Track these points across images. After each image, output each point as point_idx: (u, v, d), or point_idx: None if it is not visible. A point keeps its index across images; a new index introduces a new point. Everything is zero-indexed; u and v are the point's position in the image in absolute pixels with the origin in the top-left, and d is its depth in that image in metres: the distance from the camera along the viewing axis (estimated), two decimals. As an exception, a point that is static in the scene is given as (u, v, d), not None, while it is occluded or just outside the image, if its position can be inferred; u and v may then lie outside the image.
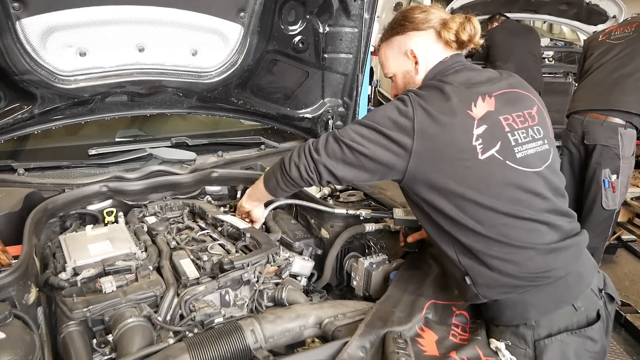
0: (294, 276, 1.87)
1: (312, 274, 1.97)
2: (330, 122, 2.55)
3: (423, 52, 1.55)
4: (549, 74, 5.63)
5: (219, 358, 1.35)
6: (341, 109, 2.56)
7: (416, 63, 1.56)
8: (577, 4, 5.48)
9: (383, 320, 1.45)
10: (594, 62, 3.42)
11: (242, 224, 1.86)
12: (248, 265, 1.62)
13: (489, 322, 1.51)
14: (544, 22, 6.39)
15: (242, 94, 2.33)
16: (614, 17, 5.49)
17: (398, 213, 1.84)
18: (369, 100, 8.65)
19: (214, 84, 2.20)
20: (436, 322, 1.52)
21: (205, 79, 2.18)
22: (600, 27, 5.70)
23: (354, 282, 1.90)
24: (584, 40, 3.77)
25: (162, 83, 2.10)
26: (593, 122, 3.32)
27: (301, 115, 2.52)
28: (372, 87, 8.21)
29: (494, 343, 1.44)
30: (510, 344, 1.42)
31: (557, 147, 3.89)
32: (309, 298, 1.79)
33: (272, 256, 1.71)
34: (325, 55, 2.38)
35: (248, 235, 1.78)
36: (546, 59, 5.85)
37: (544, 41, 6.01)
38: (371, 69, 8.86)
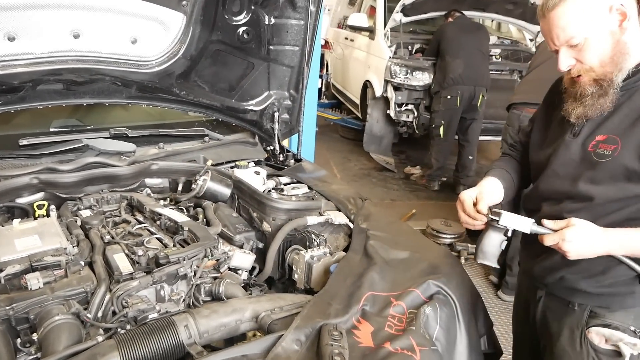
0: (235, 270, 1.85)
1: (253, 268, 1.96)
2: (276, 114, 2.53)
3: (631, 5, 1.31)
4: (496, 70, 5.78)
5: (150, 355, 1.32)
6: (287, 102, 2.54)
7: (622, 20, 1.31)
8: (523, 4, 5.65)
9: (320, 313, 1.45)
10: (535, 59, 3.57)
11: (180, 217, 1.82)
12: (184, 260, 1.59)
13: (604, 307, 1.50)
14: (492, 20, 6.57)
15: (185, 84, 2.27)
16: (558, 18, 5.68)
17: (506, 218, 1.45)
18: (321, 94, 8.68)
19: (154, 73, 2.13)
20: (373, 313, 1.54)
21: (145, 68, 2.11)
22: (544, 27, 5.89)
23: (295, 275, 1.90)
24: (537, 45, 3.98)
25: (99, 71, 2.02)
26: (528, 117, 3.45)
27: (247, 108, 2.49)
28: (322, 80, 8.20)
29: (605, 334, 1.47)
30: (636, 329, 1.45)
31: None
32: (249, 292, 1.78)
33: (210, 250, 1.68)
34: (271, 47, 2.35)
35: (186, 229, 1.74)
36: (493, 57, 6.01)
37: (492, 39, 6.17)
38: (326, 61, 8.88)
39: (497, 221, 1.44)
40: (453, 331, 1.59)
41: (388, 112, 5.94)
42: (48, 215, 1.88)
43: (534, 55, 3.77)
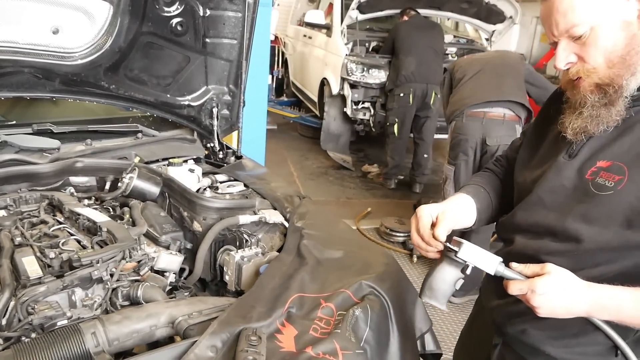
0: (162, 272, 1.76)
1: (183, 269, 1.88)
2: (214, 110, 2.45)
3: None
4: (451, 69, 5.83)
5: (52, 365, 1.23)
6: (227, 97, 2.46)
7: None
8: (477, 3, 5.70)
9: (240, 317, 1.38)
10: (467, 71, 3.49)
11: (99, 217, 1.72)
12: (97, 262, 1.50)
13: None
14: (448, 19, 6.62)
15: (114, 78, 2.16)
16: (511, 17, 5.78)
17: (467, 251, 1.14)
18: (272, 91, 8.56)
19: (79, 66, 2.02)
20: (300, 316, 1.48)
21: (69, 60, 2.00)
22: (498, 27, 5.99)
23: (226, 277, 1.83)
24: (448, 66, 3.85)
25: (17, 63, 1.90)
26: (493, 122, 3.32)
27: (183, 103, 2.39)
28: (273, 76, 8.11)
29: None
30: None
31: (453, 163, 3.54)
32: (173, 295, 1.70)
33: (129, 251, 1.59)
34: (207, 40, 2.27)
35: (105, 229, 1.65)
36: (449, 55, 6.06)
37: (448, 38, 6.21)
38: (284, 57, 8.78)
39: (456, 253, 1.14)
40: (385, 333, 1.55)
41: (345, 110, 5.92)
42: (-43, 216, 1.75)
43: (452, 73, 3.64)
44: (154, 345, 1.45)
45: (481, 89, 3.41)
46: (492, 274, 1.13)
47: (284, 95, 8.78)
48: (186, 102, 2.40)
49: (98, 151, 2.13)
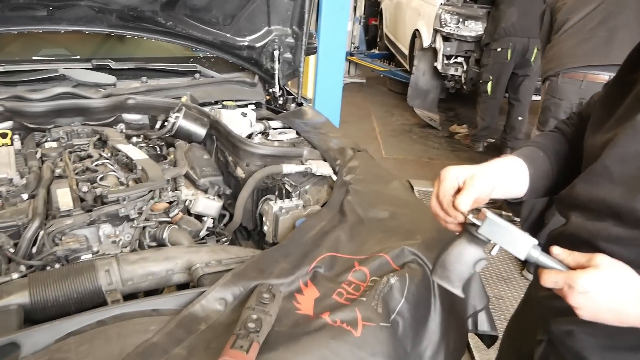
0: (199, 216, 1.71)
1: (223, 216, 1.82)
2: (276, 53, 2.31)
3: None
4: (560, 22, 5.18)
5: (64, 297, 1.21)
6: (289, 40, 2.31)
7: None
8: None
9: (260, 271, 1.28)
10: (572, 12, 2.94)
11: (138, 155, 1.68)
12: (124, 200, 1.46)
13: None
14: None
15: (171, 14, 2.08)
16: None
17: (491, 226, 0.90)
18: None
19: (135, 0, 1.96)
20: (327, 277, 1.35)
21: (124, -7, 1.95)
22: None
23: (265, 227, 1.74)
24: (546, 3, 3.24)
25: (73, -6, 1.88)
26: (594, 85, 2.79)
27: (243, 44, 2.28)
28: (354, 23, 7.71)
29: None
30: None
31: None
32: (205, 241, 1.64)
33: (159, 192, 1.54)
34: (270, -25, 2.12)
35: (140, 167, 1.61)
36: (561, 7, 5.38)
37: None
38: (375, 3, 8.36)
39: (477, 228, 0.91)
40: (425, 307, 1.37)
41: (435, 64, 5.53)
42: (12, 144, 1.80)
43: (552, 13, 3.08)
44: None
45: (585, 46, 2.88)
46: (522, 258, 0.89)
47: (377, 48, 8.44)
48: (246, 43, 2.28)
49: (152, 89, 2.10)
